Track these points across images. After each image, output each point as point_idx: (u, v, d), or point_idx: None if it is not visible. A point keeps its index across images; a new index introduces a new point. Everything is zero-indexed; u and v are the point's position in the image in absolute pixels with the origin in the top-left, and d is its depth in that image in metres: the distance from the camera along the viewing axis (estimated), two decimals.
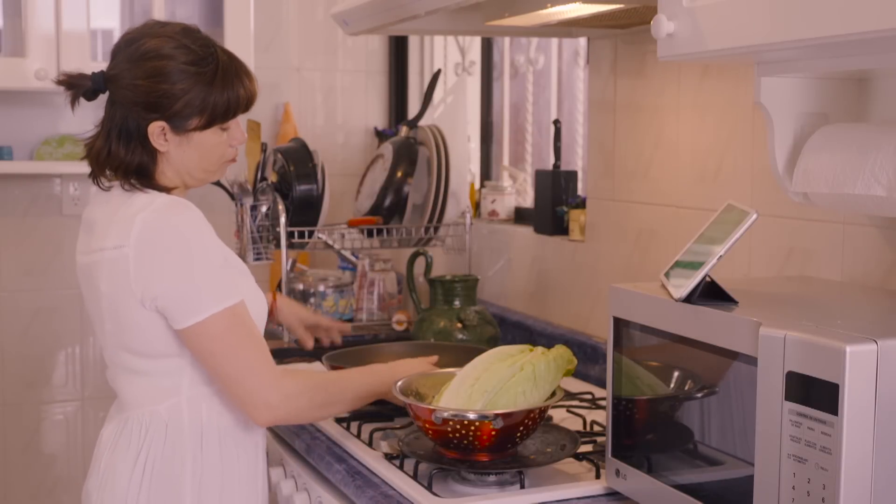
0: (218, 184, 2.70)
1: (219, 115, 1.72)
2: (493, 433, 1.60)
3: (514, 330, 2.62)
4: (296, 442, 1.95)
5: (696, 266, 1.36)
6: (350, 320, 2.78)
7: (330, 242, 2.77)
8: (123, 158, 1.72)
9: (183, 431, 1.70)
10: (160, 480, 1.69)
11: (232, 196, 2.65)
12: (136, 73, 1.70)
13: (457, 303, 2.44)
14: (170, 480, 1.69)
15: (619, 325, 1.48)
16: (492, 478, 1.62)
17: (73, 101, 1.77)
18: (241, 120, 1.80)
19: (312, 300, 2.78)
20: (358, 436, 1.86)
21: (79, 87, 1.76)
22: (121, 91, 1.72)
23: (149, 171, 1.73)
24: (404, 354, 2.18)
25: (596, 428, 1.87)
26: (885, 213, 1.35)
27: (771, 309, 1.32)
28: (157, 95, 1.69)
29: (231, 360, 1.67)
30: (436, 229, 2.70)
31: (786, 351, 1.15)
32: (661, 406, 1.44)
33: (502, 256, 2.81)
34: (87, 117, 3.24)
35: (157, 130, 1.71)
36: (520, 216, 2.88)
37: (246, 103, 1.76)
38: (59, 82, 1.76)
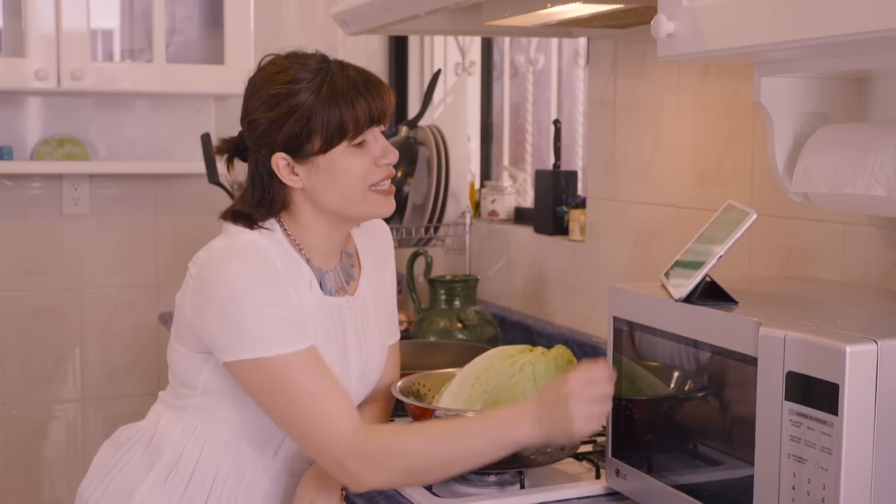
0: (218, 184, 2.71)
1: (336, 132, 1.56)
2: None
3: (514, 330, 2.61)
4: None
5: (696, 266, 1.36)
6: None
7: None
8: (247, 209, 1.61)
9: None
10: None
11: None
12: (246, 113, 1.62)
13: (457, 303, 2.44)
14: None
15: (619, 324, 1.48)
16: (492, 478, 1.62)
17: (229, 164, 1.68)
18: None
19: None
20: None
21: (231, 148, 1.67)
22: (246, 136, 1.63)
23: (252, 218, 1.61)
24: (404, 354, 2.17)
25: None
26: (885, 213, 1.35)
27: (771, 309, 1.32)
28: (265, 127, 1.58)
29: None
30: (436, 229, 2.70)
31: (786, 351, 1.15)
32: (661, 406, 1.44)
33: (502, 256, 2.81)
34: (92, 119, 3.27)
35: (281, 164, 1.58)
36: (520, 216, 2.88)
37: (370, 115, 1.57)
38: (218, 148, 1.67)
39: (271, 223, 1.64)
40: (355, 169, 1.59)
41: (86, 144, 3.22)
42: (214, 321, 1.54)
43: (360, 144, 1.59)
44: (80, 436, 3.35)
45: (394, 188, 1.65)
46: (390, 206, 1.65)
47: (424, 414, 1.63)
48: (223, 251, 1.57)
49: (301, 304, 1.58)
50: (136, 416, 1.78)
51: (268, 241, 1.61)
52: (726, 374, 1.27)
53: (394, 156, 1.62)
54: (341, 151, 1.58)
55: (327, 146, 1.57)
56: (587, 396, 1.42)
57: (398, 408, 1.84)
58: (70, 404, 3.33)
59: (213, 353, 1.57)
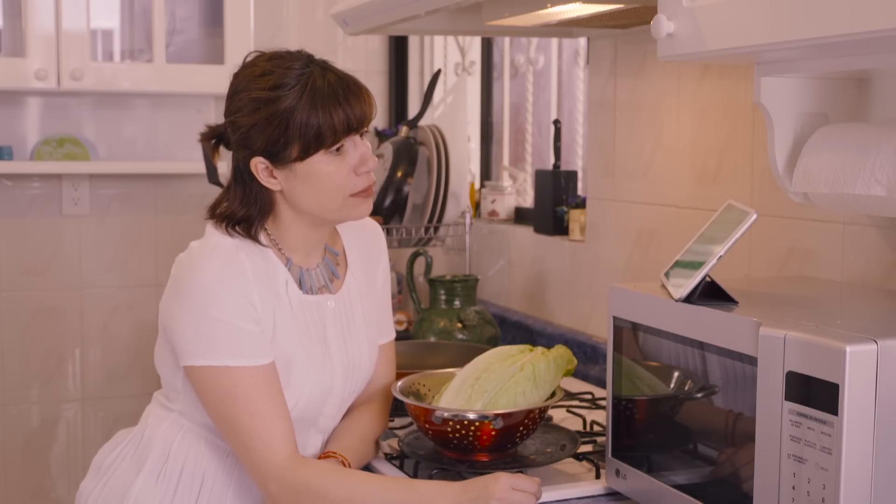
0: (218, 184, 2.71)
1: (313, 140, 1.55)
2: (493, 433, 1.60)
3: (514, 330, 2.61)
4: None
5: (696, 266, 1.36)
6: None
7: None
8: (232, 207, 1.62)
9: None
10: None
11: None
12: (229, 112, 1.62)
13: (457, 303, 2.44)
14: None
15: (619, 324, 1.48)
16: None
17: (214, 150, 1.68)
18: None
19: None
20: None
21: (216, 135, 1.66)
22: (229, 133, 1.63)
23: (252, 220, 1.62)
24: (404, 354, 2.18)
25: (596, 428, 1.87)
26: (885, 213, 1.35)
27: (771, 309, 1.32)
28: (245, 130, 1.58)
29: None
30: (436, 229, 2.70)
31: (786, 351, 1.15)
32: (661, 406, 1.44)
33: (502, 256, 2.81)
34: (92, 119, 3.27)
35: (259, 167, 1.59)
36: (520, 216, 2.88)
37: (348, 124, 1.57)
38: (203, 135, 1.68)
39: (251, 224, 1.64)
40: (333, 177, 1.59)
41: (86, 144, 3.22)
42: (181, 323, 1.57)
43: (338, 151, 1.59)
44: (80, 436, 3.35)
45: (373, 191, 1.66)
46: (367, 208, 1.65)
47: (424, 414, 1.63)
48: (198, 253, 1.59)
49: (268, 310, 1.58)
50: (136, 416, 1.78)
51: (242, 244, 1.61)
52: (726, 374, 1.27)
53: (373, 163, 1.62)
54: (319, 159, 1.58)
55: (304, 154, 1.57)
56: (509, 501, 1.46)
57: (398, 408, 1.84)
58: (70, 404, 3.33)
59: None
